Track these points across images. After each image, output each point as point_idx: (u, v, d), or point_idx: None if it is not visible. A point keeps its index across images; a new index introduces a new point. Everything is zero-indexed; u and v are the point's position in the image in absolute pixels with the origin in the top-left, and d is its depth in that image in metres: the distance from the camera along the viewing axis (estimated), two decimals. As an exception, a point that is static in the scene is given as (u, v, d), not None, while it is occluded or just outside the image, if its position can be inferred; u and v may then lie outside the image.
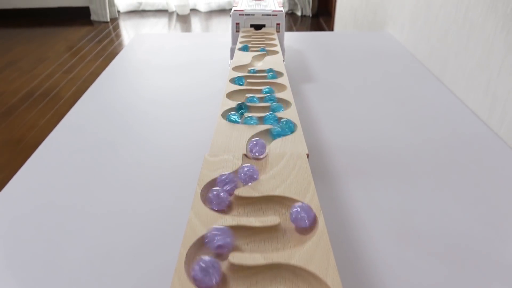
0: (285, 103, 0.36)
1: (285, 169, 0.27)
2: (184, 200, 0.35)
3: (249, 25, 0.60)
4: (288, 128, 0.32)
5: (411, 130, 0.48)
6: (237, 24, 0.59)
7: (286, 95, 0.37)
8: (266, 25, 0.60)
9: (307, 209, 0.23)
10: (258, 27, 0.60)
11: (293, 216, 0.22)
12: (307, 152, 0.29)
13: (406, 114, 0.52)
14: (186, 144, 0.45)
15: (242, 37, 0.56)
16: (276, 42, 0.53)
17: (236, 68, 0.44)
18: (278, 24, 0.59)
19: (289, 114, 0.34)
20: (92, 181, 0.39)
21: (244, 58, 0.47)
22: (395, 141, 0.46)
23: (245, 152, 0.29)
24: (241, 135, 0.31)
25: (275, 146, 0.30)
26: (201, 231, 0.21)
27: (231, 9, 0.61)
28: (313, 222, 0.22)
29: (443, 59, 0.63)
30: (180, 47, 0.77)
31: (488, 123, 0.50)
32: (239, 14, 0.59)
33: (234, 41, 0.60)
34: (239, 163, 0.27)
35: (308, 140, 0.45)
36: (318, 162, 0.42)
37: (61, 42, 2.63)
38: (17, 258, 0.30)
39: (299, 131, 0.32)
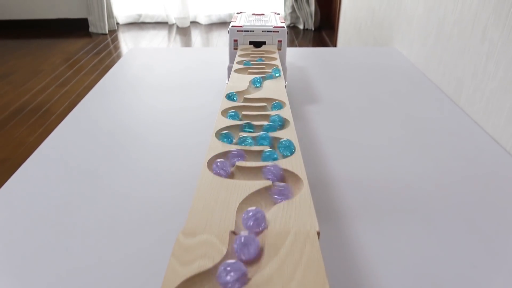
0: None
1: (289, 261, 0.19)
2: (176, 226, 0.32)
3: (248, 42, 0.55)
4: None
5: (425, 158, 0.43)
6: (235, 41, 0.55)
7: (289, 134, 0.30)
8: (266, 43, 0.55)
9: None
10: (258, 44, 0.55)
11: None
12: (317, 228, 0.21)
13: (419, 139, 0.47)
14: (180, 158, 0.42)
15: (240, 55, 0.51)
16: (278, 62, 0.48)
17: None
18: (279, 41, 0.54)
19: (293, 162, 0.27)
20: (77, 201, 0.37)
21: (241, 82, 0.41)
22: (407, 172, 0.41)
23: (233, 229, 0.21)
24: (231, 197, 0.23)
25: (274, 217, 0.22)
26: None
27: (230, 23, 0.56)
28: None
29: (458, 79, 0.58)
30: (176, 63, 0.73)
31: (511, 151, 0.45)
32: (237, 31, 0.54)
33: (232, 59, 0.55)
34: (224, 249, 0.19)
35: (312, 172, 0.41)
36: (322, 199, 0.37)
37: (58, 55, 2.59)
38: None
39: (305, 191, 0.24)
